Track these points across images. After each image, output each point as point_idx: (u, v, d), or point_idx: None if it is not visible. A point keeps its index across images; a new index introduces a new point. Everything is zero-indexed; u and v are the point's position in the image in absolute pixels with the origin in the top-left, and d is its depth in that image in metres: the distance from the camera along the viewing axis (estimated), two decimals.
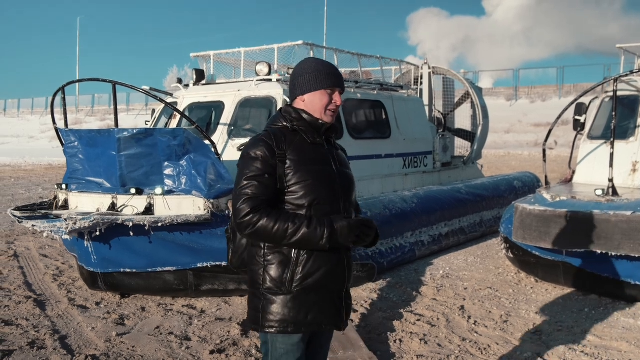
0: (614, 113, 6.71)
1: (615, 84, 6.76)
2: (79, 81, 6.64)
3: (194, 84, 8.51)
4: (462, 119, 13.13)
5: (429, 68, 12.34)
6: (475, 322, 5.83)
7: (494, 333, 5.54)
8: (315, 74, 2.73)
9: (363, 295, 6.72)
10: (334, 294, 2.73)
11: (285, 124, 2.76)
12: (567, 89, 43.69)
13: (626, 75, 7.20)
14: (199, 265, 6.37)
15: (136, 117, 43.79)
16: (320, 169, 2.70)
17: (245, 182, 2.62)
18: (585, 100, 8.21)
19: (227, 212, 6.36)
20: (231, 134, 7.59)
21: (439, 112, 12.71)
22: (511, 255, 7.44)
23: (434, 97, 12.50)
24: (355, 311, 6.15)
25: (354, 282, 7.05)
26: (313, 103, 2.73)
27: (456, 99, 12.97)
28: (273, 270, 2.65)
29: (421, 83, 12.20)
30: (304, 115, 2.74)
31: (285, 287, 2.63)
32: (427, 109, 11.85)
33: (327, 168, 2.72)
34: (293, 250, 2.63)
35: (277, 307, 2.64)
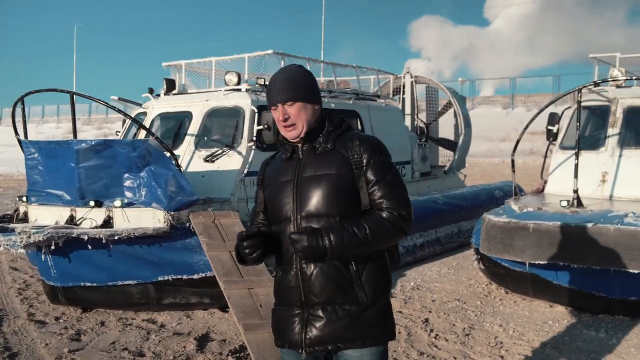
0: (577, 123, 6.64)
1: (579, 94, 6.69)
2: (37, 92, 6.58)
3: (165, 94, 8.45)
4: (446, 128, 13.07)
5: (411, 77, 12.29)
6: (437, 335, 5.74)
7: (453, 347, 5.44)
8: (266, 94, 2.62)
9: None
10: (299, 311, 2.52)
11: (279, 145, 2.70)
12: (563, 98, 43.61)
13: (590, 85, 7.13)
14: (160, 278, 6.29)
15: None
16: (279, 182, 2.57)
17: None
18: (558, 110, 8.16)
19: (187, 224, 6.30)
20: (198, 145, 7.51)
21: (421, 121, 12.64)
22: (482, 267, 7.35)
23: (417, 106, 12.45)
24: None
25: None
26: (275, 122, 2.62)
27: (440, 108, 12.92)
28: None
29: (404, 92, 12.14)
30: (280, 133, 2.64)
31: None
32: (409, 118, 11.78)
33: (287, 180, 2.55)
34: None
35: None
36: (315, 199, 2.48)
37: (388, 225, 2.46)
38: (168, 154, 6.45)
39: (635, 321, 5.99)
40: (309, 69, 9.01)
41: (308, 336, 2.48)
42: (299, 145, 2.57)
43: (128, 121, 8.56)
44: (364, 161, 2.50)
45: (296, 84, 2.53)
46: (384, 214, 2.47)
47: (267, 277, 5.74)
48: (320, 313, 2.48)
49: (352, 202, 2.50)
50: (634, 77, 7.29)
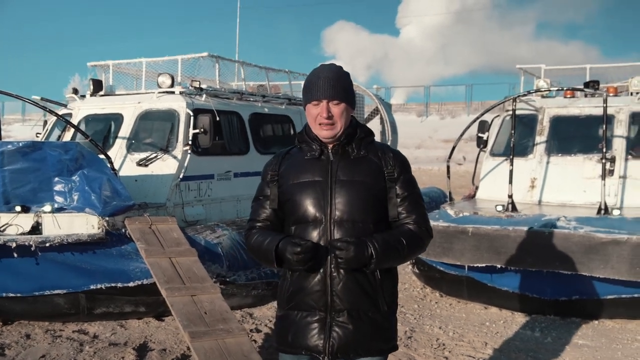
0: (512, 131, 6.89)
1: (514, 104, 6.95)
2: None
3: (91, 95, 8.08)
4: None
5: None
6: None
7: (398, 350, 5.47)
8: (305, 86, 2.56)
9: (267, 314, 6.54)
10: (321, 316, 2.48)
11: (297, 141, 2.65)
12: (475, 106, 45.10)
13: (524, 95, 7.43)
14: (92, 287, 5.98)
15: (32, 127, 41.57)
16: (306, 182, 2.50)
17: (251, 205, 2.69)
18: (487, 118, 8.43)
19: (123, 230, 6.04)
20: (130, 148, 7.24)
21: None
22: (417, 271, 7.46)
23: None
24: (259, 331, 5.96)
25: (258, 301, 6.87)
26: (308, 117, 2.56)
27: (366, 115, 13.10)
28: (279, 287, 2.62)
29: None
30: (306, 130, 2.60)
31: (281, 305, 2.60)
32: None
33: (316, 180, 2.49)
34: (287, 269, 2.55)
35: (276, 324, 2.66)
36: (351, 205, 2.47)
37: (418, 240, 2.53)
38: (102, 157, 6.17)
39: (566, 320, 6.26)
40: (242, 72, 8.91)
41: (332, 343, 2.46)
42: (329, 146, 2.54)
43: (50, 123, 8.15)
44: (396, 175, 2.55)
45: (344, 84, 2.53)
46: (413, 228, 2.52)
47: (209, 284, 5.58)
48: (346, 319, 2.47)
49: (383, 210, 2.53)
50: (563, 88, 7.65)
